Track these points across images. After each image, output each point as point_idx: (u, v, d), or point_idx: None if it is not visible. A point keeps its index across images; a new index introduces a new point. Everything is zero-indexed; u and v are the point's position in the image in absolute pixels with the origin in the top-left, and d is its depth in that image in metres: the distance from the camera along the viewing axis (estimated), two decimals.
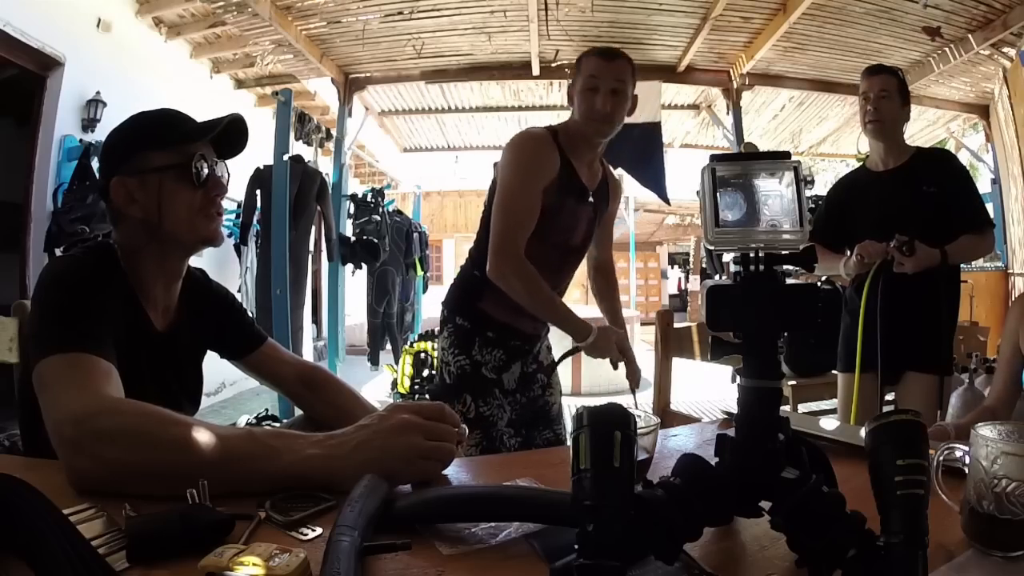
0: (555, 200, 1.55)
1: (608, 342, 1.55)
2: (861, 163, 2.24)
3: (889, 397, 2.19)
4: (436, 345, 5.10)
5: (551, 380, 1.80)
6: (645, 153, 4.94)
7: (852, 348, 2.00)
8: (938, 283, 1.91)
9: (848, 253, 1.99)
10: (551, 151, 1.57)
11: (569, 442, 0.53)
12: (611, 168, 1.80)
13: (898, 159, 2.02)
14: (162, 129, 1.01)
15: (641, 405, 1.39)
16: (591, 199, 1.65)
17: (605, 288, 1.95)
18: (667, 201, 5.36)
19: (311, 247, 5.12)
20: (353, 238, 5.47)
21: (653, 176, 5.07)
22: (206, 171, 1.00)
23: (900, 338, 1.95)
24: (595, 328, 1.56)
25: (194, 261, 1.11)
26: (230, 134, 1.04)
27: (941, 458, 0.68)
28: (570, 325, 1.55)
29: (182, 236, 1.01)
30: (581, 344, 1.54)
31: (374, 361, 5.81)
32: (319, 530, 0.62)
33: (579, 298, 11.48)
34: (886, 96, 1.98)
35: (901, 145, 2.04)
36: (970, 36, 4.29)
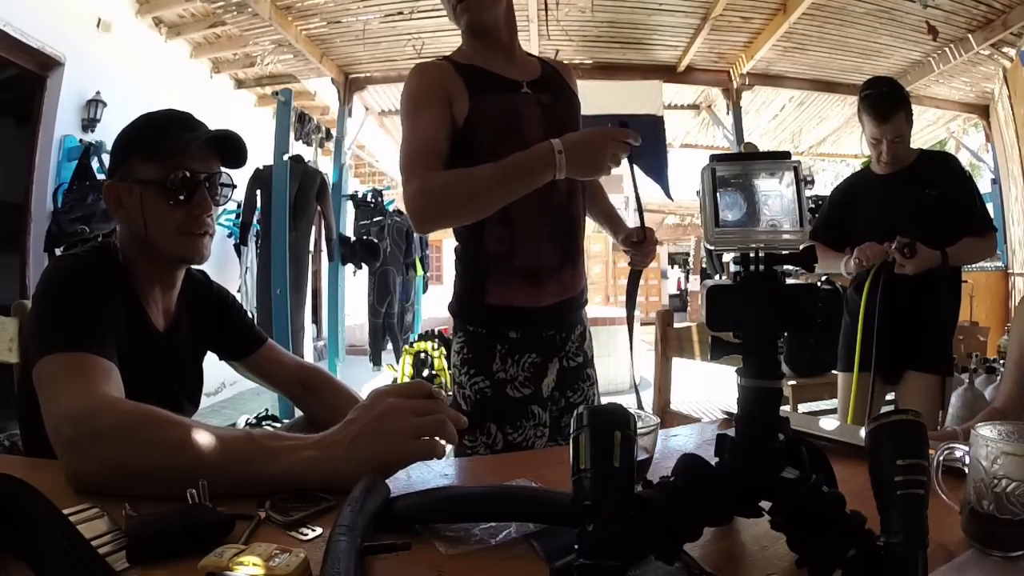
0: (476, 102, 1.25)
1: (593, 145, 1.13)
2: (865, 165, 2.24)
3: (890, 397, 2.20)
4: (441, 356, 5.11)
5: (595, 375, 1.47)
6: (646, 144, 4.90)
7: (852, 348, 2.00)
8: (939, 284, 1.91)
9: (849, 252, 1.99)
10: (436, 69, 1.29)
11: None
12: (560, 66, 1.48)
13: (902, 162, 2.02)
14: (149, 138, 0.99)
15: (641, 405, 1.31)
16: (527, 89, 1.31)
17: (592, 200, 1.52)
18: (669, 195, 5.31)
19: (311, 247, 5.12)
20: (353, 238, 5.47)
21: (657, 166, 5.02)
22: (189, 187, 0.97)
23: (901, 338, 1.95)
24: (557, 142, 1.11)
25: None
26: (228, 145, 1.02)
27: (941, 458, 0.68)
28: (527, 165, 1.12)
29: (163, 251, 0.99)
30: (559, 173, 1.12)
31: (375, 361, 5.81)
32: (319, 530, 0.62)
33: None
34: (900, 140, 1.95)
35: (906, 150, 2.04)
36: (970, 36, 4.29)
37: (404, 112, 1.26)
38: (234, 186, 1.06)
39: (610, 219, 1.55)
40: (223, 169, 1.04)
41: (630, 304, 1.34)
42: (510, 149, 1.17)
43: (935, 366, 1.94)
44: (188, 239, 0.99)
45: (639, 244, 1.36)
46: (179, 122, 1.01)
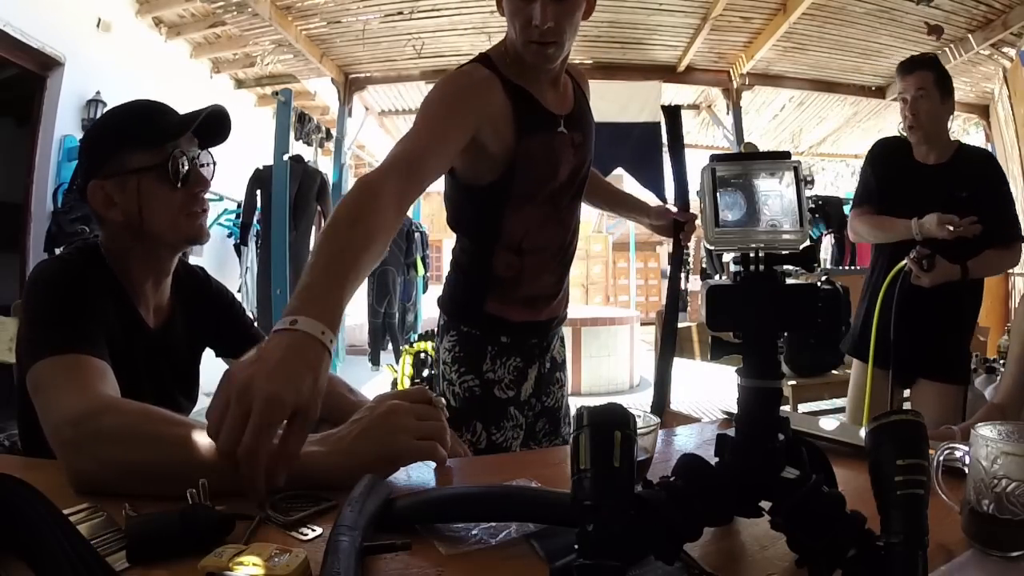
0: (520, 144, 1.19)
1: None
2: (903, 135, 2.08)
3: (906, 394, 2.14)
4: (436, 353, 5.09)
5: (565, 377, 1.51)
6: (646, 154, 4.95)
7: (867, 337, 1.94)
8: (961, 295, 1.84)
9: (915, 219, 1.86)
10: (482, 89, 1.17)
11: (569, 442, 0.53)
12: (576, 73, 1.39)
13: (940, 156, 1.94)
14: (137, 127, 0.98)
15: (641, 405, 1.33)
16: (563, 128, 1.25)
17: (596, 184, 1.51)
18: (665, 201, 5.37)
19: (311, 247, 5.12)
20: None
21: (652, 177, 5.08)
22: (186, 168, 0.98)
23: (917, 343, 1.88)
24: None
25: (194, 260, 1.10)
26: (211, 123, 1.01)
27: (941, 458, 0.68)
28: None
29: (165, 236, 0.99)
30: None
31: (375, 361, 5.81)
32: (319, 530, 0.62)
33: (579, 297, 11.45)
34: (924, 95, 1.89)
35: (944, 141, 1.96)
36: (970, 36, 4.30)
37: (430, 110, 1.13)
38: (215, 163, 1.06)
39: (627, 202, 1.61)
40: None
41: (674, 277, 1.40)
42: (545, 187, 1.25)
43: (950, 375, 1.88)
44: (191, 219, 1.00)
45: (680, 222, 1.42)
46: (157, 108, 1.01)
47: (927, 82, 1.90)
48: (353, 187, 0.94)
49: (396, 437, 0.75)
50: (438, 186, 1.36)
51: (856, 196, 2.14)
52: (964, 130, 6.42)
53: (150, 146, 0.96)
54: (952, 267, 1.81)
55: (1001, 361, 2.72)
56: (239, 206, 4.94)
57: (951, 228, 1.77)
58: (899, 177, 2.01)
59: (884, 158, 2.09)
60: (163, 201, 0.97)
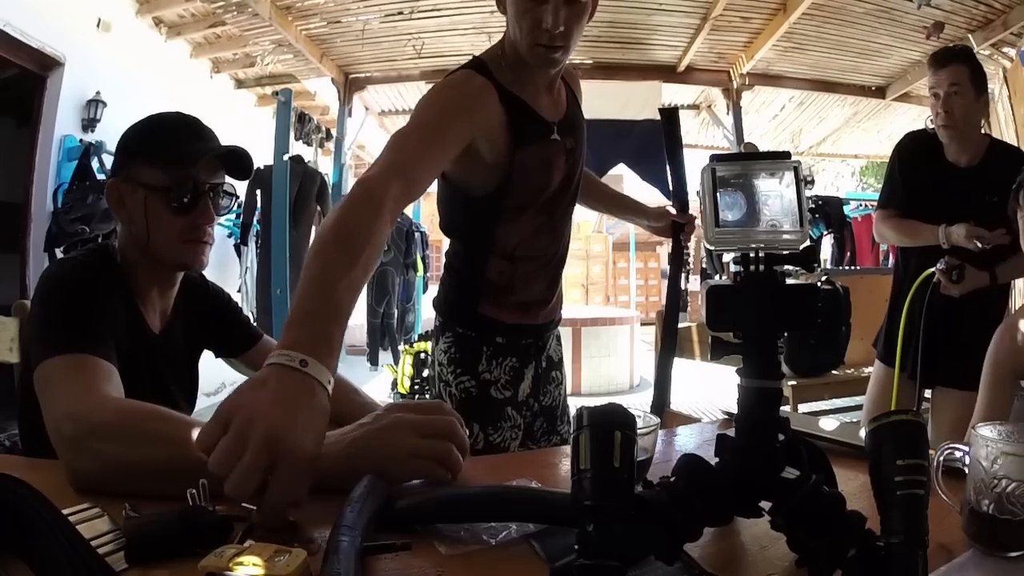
0: (514, 155, 1.17)
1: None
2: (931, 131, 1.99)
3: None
4: (432, 354, 5.09)
5: (563, 376, 1.52)
6: (649, 149, 4.93)
7: (893, 341, 1.92)
8: (985, 300, 1.81)
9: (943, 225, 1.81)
10: (484, 98, 1.14)
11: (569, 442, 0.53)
12: (569, 76, 1.36)
13: (972, 157, 1.87)
14: (157, 143, 1.00)
15: (641, 405, 1.33)
16: (556, 136, 1.23)
17: (592, 186, 1.52)
18: (668, 197, 5.35)
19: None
20: None
21: (655, 172, 5.05)
22: (192, 197, 0.98)
23: (938, 349, 1.85)
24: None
25: None
26: (234, 159, 1.03)
27: (941, 458, 0.68)
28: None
29: (163, 256, 1.01)
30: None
31: (373, 361, 5.81)
32: (320, 531, 0.62)
33: (579, 297, 11.44)
34: (957, 91, 1.79)
35: (977, 139, 1.88)
36: (970, 36, 4.29)
37: (427, 117, 1.10)
38: (236, 196, 1.08)
39: (624, 204, 1.62)
40: (227, 179, 1.05)
41: (675, 278, 1.43)
42: (539, 197, 1.25)
43: (971, 382, 1.85)
44: (189, 247, 1.01)
45: (680, 224, 1.44)
46: (187, 129, 1.02)
47: (962, 77, 1.80)
48: (356, 192, 0.90)
49: (389, 455, 0.72)
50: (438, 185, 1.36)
51: (882, 195, 2.10)
52: None
53: (161, 165, 0.98)
54: (981, 274, 1.76)
55: None
56: (239, 206, 4.94)
57: (979, 244, 1.73)
58: (928, 179, 1.95)
59: (913, 157, 2.00)
60: (165, 223, 0.98)
